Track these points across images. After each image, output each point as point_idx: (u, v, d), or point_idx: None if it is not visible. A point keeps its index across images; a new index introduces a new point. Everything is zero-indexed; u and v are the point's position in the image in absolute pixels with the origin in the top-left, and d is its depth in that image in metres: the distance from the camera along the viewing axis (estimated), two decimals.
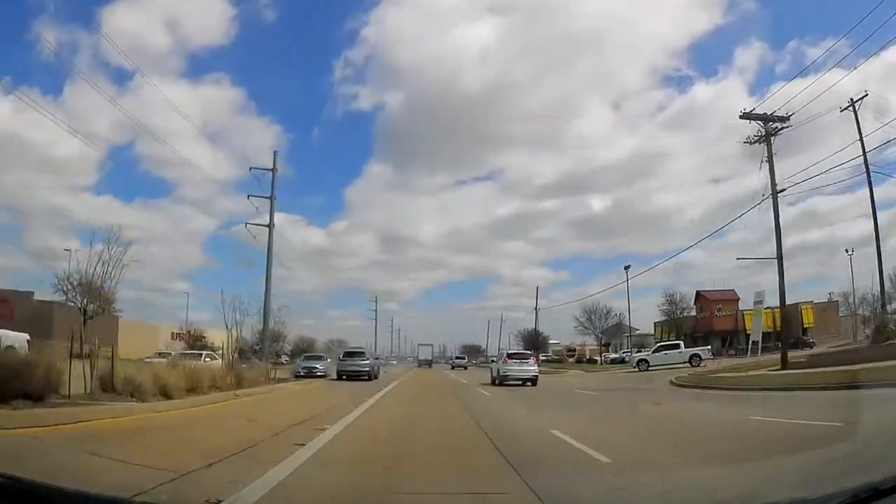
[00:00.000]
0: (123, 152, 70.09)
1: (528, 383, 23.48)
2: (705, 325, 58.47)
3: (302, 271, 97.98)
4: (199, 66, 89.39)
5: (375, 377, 27.15)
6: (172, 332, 56.64)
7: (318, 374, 28.49)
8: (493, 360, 37.59)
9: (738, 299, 59.99)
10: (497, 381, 24.30)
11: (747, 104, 79.91)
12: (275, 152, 38.25)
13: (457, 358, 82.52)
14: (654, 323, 66.34)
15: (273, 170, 37.46)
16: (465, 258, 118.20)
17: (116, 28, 67.20)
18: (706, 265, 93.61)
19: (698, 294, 62.73)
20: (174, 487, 4.01)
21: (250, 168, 37.56)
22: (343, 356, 29.06)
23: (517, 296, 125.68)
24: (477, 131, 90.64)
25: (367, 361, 27.70)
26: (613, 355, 59.07)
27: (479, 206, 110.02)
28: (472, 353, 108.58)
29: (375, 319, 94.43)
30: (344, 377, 26.26)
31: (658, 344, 35.20)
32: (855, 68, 24.12)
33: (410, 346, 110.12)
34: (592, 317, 66.45)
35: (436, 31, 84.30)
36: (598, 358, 62.92)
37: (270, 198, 36.65)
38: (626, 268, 55.41)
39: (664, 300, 61.86)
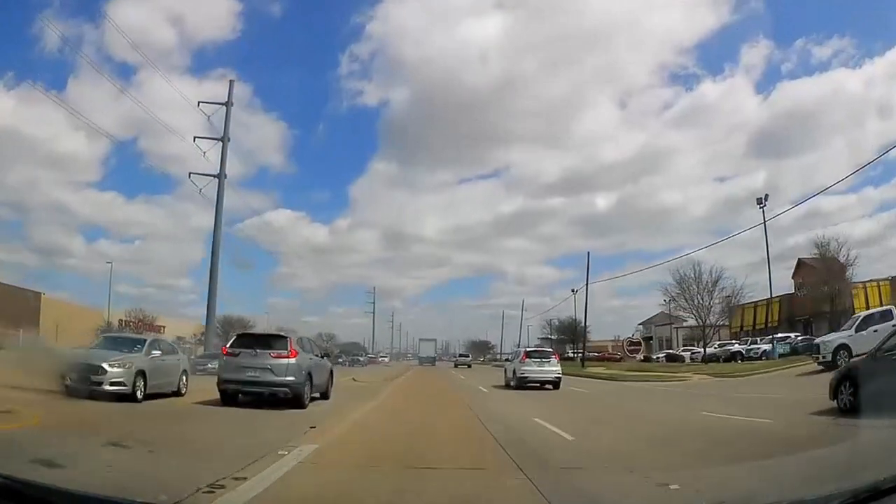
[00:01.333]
0: (126, 149, 75.74)
1: (549, 386, 23.00)
2: (807, 304, 48.74)
3: (305, 268, 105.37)
4: (204, 61, 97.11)
5: (322, 396, 15.40)
6: (120, 319, 54.51)
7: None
8: (507, 359, 35.69)
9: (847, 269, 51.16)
10: (513, 384, 23.62)
11: (753, 103, 71.58)
12: (231, 82, 33.20)
13: (460, 356, 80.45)
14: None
15: (227, 104, 30.35)
16: (469, 255, 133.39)
17: (120, 23, 70.03)
18: (706, 262, 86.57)
19: (800, 264, 50.84)
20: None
21: (199, 102, 30.86)
22: (233, 345, 14.29)
23: (522, 294, 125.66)
24: (482, 128, 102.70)
25: (292, 362, 13.37)
26: (709, 349, 45.26)
27: (483, 203, 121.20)
28: (481, 349, 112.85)
29: (373, 312, 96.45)
30: (239, 396, 13.49)
31: (860, 315, 24.39)
32: None
33: (414, 344, 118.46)
34: (694, 286, 45.78)
35: (442, 26, 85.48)
36: (681, 353, 50.72)
37: (222, 139, 29.45)
38: (762, 201, 37.33)
39: (816, 247, 45.75)
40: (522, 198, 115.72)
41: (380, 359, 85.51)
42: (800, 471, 6.12)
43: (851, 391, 11.15)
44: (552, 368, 23.28)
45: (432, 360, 77.72)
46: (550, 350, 28.55)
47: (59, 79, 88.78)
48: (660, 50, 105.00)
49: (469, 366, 65.54)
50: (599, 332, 77.28)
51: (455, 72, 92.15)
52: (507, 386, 24.08)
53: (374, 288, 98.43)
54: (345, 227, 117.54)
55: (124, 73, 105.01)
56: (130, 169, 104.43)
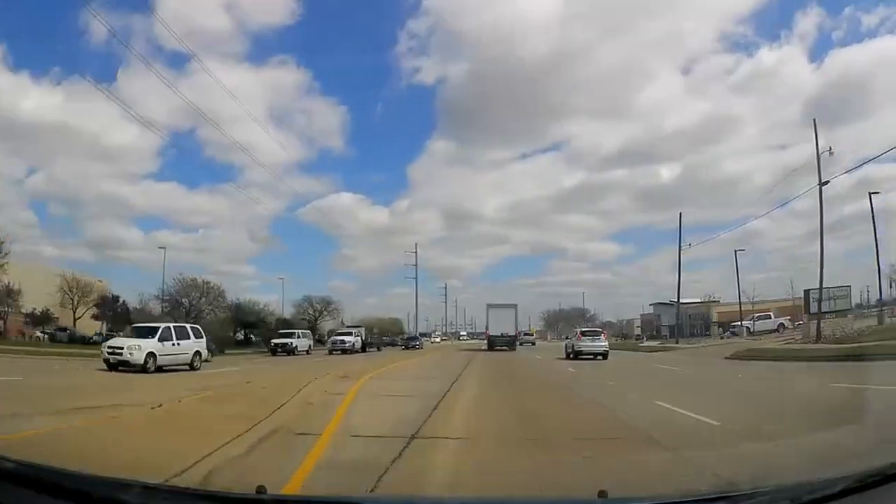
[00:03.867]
0: (185, 138, 73.86)
1: (599, 357, 29.00)
2: None
3: (365, 250, 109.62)
4: (263, 48, 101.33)
5: None
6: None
7: None
8: (566, 337, 41.85)
9: None
10: (571, 356, 30.05)
11: (807, 70, 69.84)
12: None
13: (524, 334, 68.94)
14: None
15: None
16: (528, 233, 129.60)
17: (172, 10, 68.32)
18: (771, 232, 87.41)
19: None
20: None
21: None
22: None
23: (579, 271, 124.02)
24: (542, 101, 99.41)
25: None
26: None
27: (543, 178, 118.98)
28: (569, 321, 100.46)
29: (416, 278, 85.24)
30: None
31: None
32: None
33: (472, 322, 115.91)
34: None
35: None
36: None
37: None
38: None
39: None
40: (583, 171, 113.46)
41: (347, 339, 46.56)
42: None
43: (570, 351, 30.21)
44: (601, 343, 29.72)
45: (510, 342, 47.92)
46: (600, 329, 35.64)
47: (109, 69, 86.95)
48: (718, 14, 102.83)
49: (533, 343, 62.34)
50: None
51: (513, 43, 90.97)
52: (567, 357, 30.44)
53: (416, 245, 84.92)
54: (404, 207, 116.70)
55: (179, 61, 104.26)
56: (190, 159, 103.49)
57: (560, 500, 4.47)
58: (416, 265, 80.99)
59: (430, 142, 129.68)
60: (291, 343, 42.29)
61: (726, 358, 27.34)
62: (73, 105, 75.41)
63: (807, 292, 36.20)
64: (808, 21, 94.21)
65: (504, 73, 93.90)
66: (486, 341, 51.09)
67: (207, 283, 56.76)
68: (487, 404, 11.57)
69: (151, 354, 19.81)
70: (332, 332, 53.84)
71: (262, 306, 62.62)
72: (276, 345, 41.98)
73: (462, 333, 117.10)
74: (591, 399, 12.47)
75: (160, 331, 21.37)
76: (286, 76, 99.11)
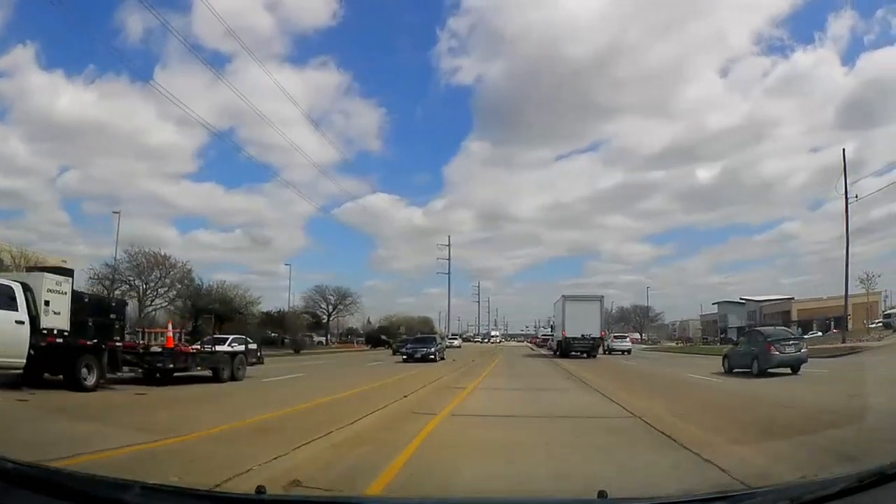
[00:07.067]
0: (221, 140, 73.03)
1: (626, 353, 42.80)
2: None
3: (401, 250, 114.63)
4: (305, 49, 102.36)
5: None
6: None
7: None
8: (614, 337, 51.56)
9: None
10: (606, 352, 41.01)
11: (840, 72, 71.02)
12: None
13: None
14: None
15: None
16: (565, 234, 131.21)
17: (212, 9, 66.37)
18: (805, 235, 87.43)
19: None
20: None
21: None
22: None
23: (618, 272, 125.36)
24: (579, 102, 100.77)
25: None
26: None
27: (580, 179, 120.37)
28: (631, 321, 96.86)
29: (448, 273, 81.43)
30: None
31: None
32: None
33: (505, 323, 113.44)
34: None
35: None
36: None
37: None
38: None
39: None
40: (621, 172, 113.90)
41: None
42: None
43: (605, 348, 43.24)
44: (626, 343, 46.00)
45: (592, 347, 35.52)
46: (626, 335, 55.53)
47: (146, 67, 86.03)
48: (756, 17, 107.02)
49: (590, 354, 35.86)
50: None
51: (554, 42, 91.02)
52: (603, 352, 39.42)
53: (449, 237, 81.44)
54: (439, 208, 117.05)
55: (217, 61, 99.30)
56: (228, 159, 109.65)
57: (560, 500, 4.49)
58: (448, 259, 78.45)
59: (466, 142, 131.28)
60: None
61: None
62: (108, 103, 75.69)
63: None
64: (841, 24, 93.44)
65: (543, 72, 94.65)
66: (535, 344, 68.55)
67: (167, 258, 44.29)
68: None
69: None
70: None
71: (237, 293, 48.96)
72: None
73: (494, 334, 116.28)
74: None
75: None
76: (327, 77, 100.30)
